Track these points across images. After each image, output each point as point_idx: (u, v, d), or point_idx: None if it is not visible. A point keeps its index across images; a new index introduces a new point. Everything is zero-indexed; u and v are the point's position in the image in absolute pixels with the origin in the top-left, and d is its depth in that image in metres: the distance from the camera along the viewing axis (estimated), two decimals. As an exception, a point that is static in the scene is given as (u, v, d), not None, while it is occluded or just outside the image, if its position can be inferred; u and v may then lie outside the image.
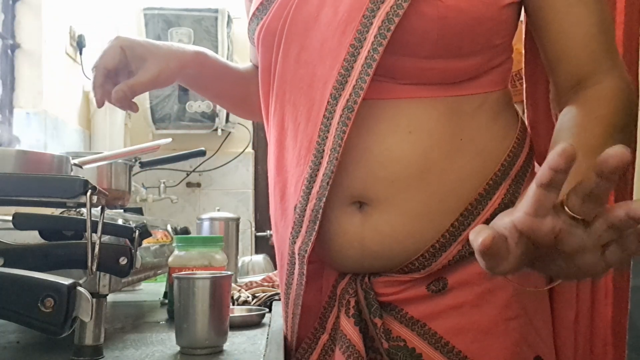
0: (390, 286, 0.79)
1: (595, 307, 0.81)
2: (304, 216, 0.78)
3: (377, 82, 0.73)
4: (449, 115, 0.76)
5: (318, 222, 0.76)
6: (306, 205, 0.78)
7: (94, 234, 0.67)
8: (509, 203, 0.76)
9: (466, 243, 0.75)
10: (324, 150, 0.75)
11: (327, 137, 0.75)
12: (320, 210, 0.76)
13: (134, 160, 1.39)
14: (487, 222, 0.71)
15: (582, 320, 0.80)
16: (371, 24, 0.71)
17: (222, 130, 2.59)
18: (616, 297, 0.81)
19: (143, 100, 2.51)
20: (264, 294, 1.24)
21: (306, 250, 0.79)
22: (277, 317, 1.09)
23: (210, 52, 1.04)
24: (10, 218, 0.71)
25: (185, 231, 1.46)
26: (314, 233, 0.77)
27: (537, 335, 0.76)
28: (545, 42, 0.78)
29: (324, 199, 0.75)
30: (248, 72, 1.07)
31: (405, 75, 0.75)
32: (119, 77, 0.94)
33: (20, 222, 0.71)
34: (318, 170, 0.76)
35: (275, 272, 1.50)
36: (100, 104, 0.94)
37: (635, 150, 0.81)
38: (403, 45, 0.72)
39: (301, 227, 0.79)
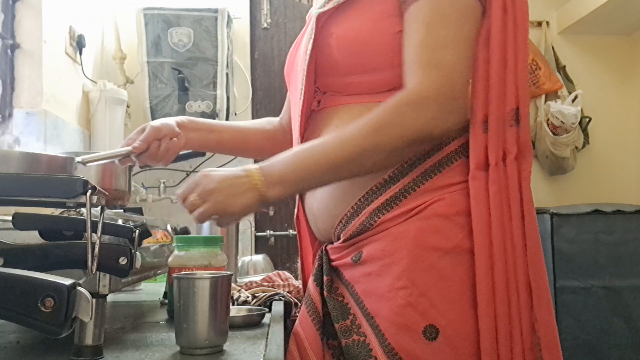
0: (334, 253, 1.02)
1: (520, 299, 0.92)
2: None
3: (331, 95, 1.04)
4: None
5: (298, 194, 1.07)
6: None
7: (94, 234, 0.67)
8: (410, 190, 0.95)
9: (369, 216, 0.95)
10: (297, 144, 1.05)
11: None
12: None
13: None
14: (387, 202, 0.95)
15: (500, 307, 0.90)
16: (305, 59, 1.01)
17: (222, 130, 2.59)
18: (537, 290, 0.93)
19: (143, 100, 2.51)
20: (264, 294, 1.24)
21: (296, 215, 1.11)
22: (277, 317, 1.09)
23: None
24: (10, 218, 0.71)
25: (185, 231, 1.46)
26: (297, 201, 1.09)
27: (431, 307, 0.90)
28: None
29: None
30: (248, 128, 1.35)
31: (340, 89, 1.02)
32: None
33: (20, 222, 0.71)
34: None
35: (274, 272, 1.50)
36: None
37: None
38: (329, 69, 1.01)
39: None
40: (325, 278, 0.99)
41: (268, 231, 2.76)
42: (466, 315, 0.91)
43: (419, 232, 0.92)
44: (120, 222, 0.95)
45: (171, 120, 1.20)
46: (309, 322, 0.99)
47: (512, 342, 0.90)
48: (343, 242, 0.99)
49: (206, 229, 1.68)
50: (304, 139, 1.04)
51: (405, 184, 0.94)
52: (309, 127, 1.05)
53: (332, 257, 1.01)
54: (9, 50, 1.90)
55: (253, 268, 1.92)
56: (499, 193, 0.92)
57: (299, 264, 1.17)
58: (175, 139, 1.18)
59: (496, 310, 0.90)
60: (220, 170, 0.92)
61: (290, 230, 2.79)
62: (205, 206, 0.89)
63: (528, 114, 0.96)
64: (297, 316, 1.21)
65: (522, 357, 0.90)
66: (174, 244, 1.10)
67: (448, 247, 0.92)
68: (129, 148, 1.13)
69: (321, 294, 0.99)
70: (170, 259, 1.07)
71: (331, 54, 0.99)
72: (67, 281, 0.53)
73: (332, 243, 1.03)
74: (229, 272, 0.87)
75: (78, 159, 1.04)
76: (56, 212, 0.80)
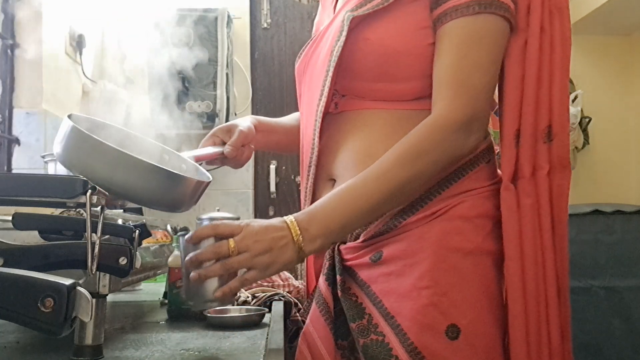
0: (349, 253, 1.00)
1: (549, 306, 0.96)
2: (307, 190, 1.06)
3: (351, 99, 1.03)
4: (394, 122, 0.99)
5: (311, 193, 1.05)
6: (307, 183, 1.06)
7: (93, 234, 0.67)
8: (434, 193, 0.96)
9: (392, 218, 0.96)
10: (314, 145, 1.04)
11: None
12: (310, 184, 1.04)
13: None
14: (411, 205, 0.95)
15: (531, 314, 0.94)
16: (330, 60, 1.00)
17: (222, 130, 2.59)
18: (562, 299, 0.97)
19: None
20: (264, 294, 1.24)
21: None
22: (277, 317, 1.09)
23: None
24: (10, 218, 0.71)
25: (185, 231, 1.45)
26: (309, 201, 1.04)
27: (452, 306, 0.91)
28: None
29: (312, 176, 1.04)
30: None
31: (365, 94, 1.01)
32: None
33: (20, 222, 0.71)
34: (311, 158, 1.04)
35: (275, 272, 1.49)
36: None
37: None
38: (357, 73, 0.99)
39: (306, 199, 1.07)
40: (338, 278, 0.99)
41: (268, 231, 2.76)
42: (484, 315, 0.94)
43: (442, 233, 0.94)
44: (120, 222, 0.95)
45: (250, 124, 1.20)
46: (321, 321, 0.98)
47: (540, 346, 0.94)
48: (362, 242, 0.99)
49: (206, 229, 1.68)
50: (321, 141, 1.04)
51: (429, 188, 0.96)
52: (327, 130, 1.04)
53: (346, 256, 1.01)
54: (9, 50, 1.90)
55: (253, 268, 1.91)
56: (531, 206, 0.95)
57: (301, 263, 1.16)
58: (251, 144, 1.20)
59: (527, 314, 0.93)
60: (256, 221, 0.88)
61: (290, 230, 2.77)
62: (253, 273, 0.85)
63: (566, 132, 0.98)
64: (297, 316, 1.22)
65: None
66: (174, 244, 1.10)
67: (469, 248, 0.94)
68: (220, 150, 1.14)
69: (333, 293, 0.99)
70: (170, 259, 1.07)
71: (362, 59, 0.98)
72: (67, 281, 0.53)
73: (344, 243, 1.02)
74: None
75: (185, 155, 1.06)
76: (56, 212, 0.80)
